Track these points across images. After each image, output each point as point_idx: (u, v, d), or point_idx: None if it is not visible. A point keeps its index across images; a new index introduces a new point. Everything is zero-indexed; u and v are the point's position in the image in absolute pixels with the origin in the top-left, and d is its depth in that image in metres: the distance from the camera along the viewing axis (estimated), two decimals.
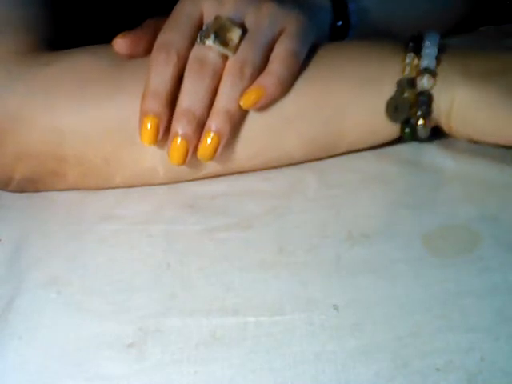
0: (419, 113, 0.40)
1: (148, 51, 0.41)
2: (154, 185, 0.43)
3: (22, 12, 0.43)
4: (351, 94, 0.41)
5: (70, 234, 0.41)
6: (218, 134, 0.39)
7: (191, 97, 0.39)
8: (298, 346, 0.33)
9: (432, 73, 0.40)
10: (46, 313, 0.36)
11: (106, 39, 0.42)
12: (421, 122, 0.40)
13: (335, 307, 0.34)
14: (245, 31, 0.40)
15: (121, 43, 0.41)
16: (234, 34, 0.39)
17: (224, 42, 0.39)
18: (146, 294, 0.36)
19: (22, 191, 0.44)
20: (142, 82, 0.40)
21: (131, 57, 0.42)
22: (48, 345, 0.35)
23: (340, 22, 0.47)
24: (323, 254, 0.37)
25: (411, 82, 0.40)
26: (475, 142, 0.40)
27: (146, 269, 0.38)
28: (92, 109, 0.41)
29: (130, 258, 0.39)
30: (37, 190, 0.44)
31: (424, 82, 0.40)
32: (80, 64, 0.42)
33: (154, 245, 0.39)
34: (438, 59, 0.40)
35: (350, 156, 0.43)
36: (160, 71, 0.39)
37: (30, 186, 0.43)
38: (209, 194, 0.42)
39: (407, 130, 0.41)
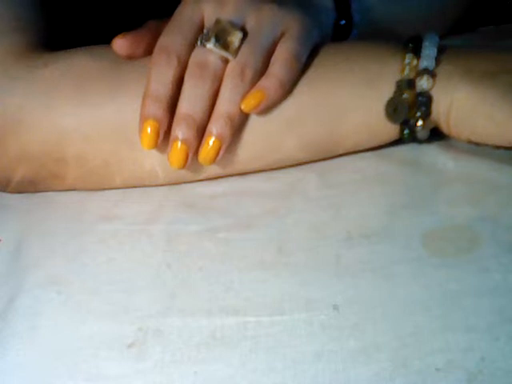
0: (418, 114, 0.40)
1: (147, 52, 0.41)
2: (153, 186, 0.43)
3: (18, 12, 0.43)
4: (351, 96, 0.41)
5: (69, 234, 0.41)
6: (220, 138, 0.39)
7: (191, 101, 0.39)
8: (298, 346, 0.33)
9: (431, 74, 0.40)
10: (46, 313, 0.36)
11: (106, 39, 0.42)
12: (420, 122, 0.40)
13: (335, 307, 0.34)
14: (245, 34, 0.40)
15: (120, 44, 0.41)
16: (235, 37, 0.39)
17: (225, 45, 0.39)
18: (146, 294, 0.36)
19: (20, 192, 0.44)
20: (142, 82, 0.40)
21: (130, 58, 0.42)
22: (48, 345, 0.35)
23: (343, 21, 0.47)
24: (323, 253, 0.37)
25: (410, 83, 0.40)
26: (475, 144, 0.40)
27: (146, 269, 0.38)
28: (91, 110, 0.41)
29: (130, 258, 0.39)
30: (36, 191, 0.44)
31: (423, 83, 0.39)
32: (79, 64, 0.42)
33: (154, 245, 0.39)
34: (438, 60, 0.40)
35: (350, 156, 0.43)
36: (160, 75, 0.39)
37: (30, 187, 0.43)
38: (209, 194, 0.42)
39: (406, 131, 0.41)
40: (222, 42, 0.39)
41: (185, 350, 0.33)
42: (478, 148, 0.41)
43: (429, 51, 0.40)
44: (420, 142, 0.42)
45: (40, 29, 0.44)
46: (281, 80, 0.39)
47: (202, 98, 0.39)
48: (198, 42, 0.40)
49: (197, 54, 0.40)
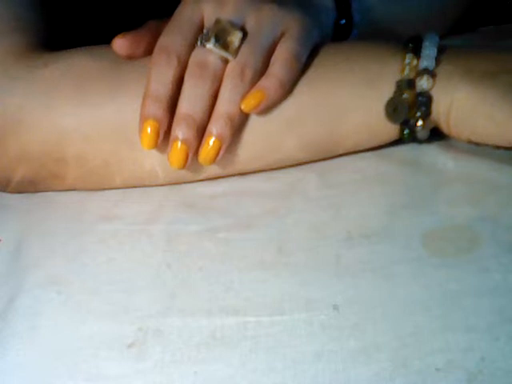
0: (418, 114, 0.40)
1: (147, 52, 0.41)
2: (153, 186, 0.43)
3: (18, 12, 0.43)
4: (351, 96, 0.41)
5: (70, 234, 0.41)
6: (220, 138, 0.39)
7: (191, 101, 0.39)
8: (298, 346, 0.33)
9: (431, 74, 0.40)
10: (46, 313, 0.36)
11: (106, 39, 0.42)
12: (420, 122, 0.40)
13: (335, 307, 0.34)
14: (245, 34, 0.40)
15: (120, 43, 0.41)
16: (235, 37, 0.39)
17: (224, 46, 0.39)
18: (146, 294, 0.36)
19: (20, 192, 0.44)
20: (142, 82, 0.40)
21: (130, 58, 0.41)
22: (48, 345, 0.35)
23: (343, 21, 0.47)
24: (323, 253, 0.37)
25: (410, 83, 0.40)
26: (475, 144, 0.40)
27: (146, 269, 0.38)
28: (91, 110, 0.41)
29: (130, 258, 0.39)
30: (36, 191, 0.44)
31: (423, 83, 0.39)
32: (79, 64, 0.42)
33: (154, 245, 0.39)
34: (438, 60, 0.40)
35: (350, 156, 0.43)
36: (160, 75, 0.39)
37: (30, 186, 0.43)
38: (209, 194, 0.42)
39: (406, 131, 0.41)
40: (221, 41, 0.39)
41: (185, 350, 0.33)
42: (478, 148, 0.41)
43: (429, 51, 0.40)
44: (420, 141, 0.42)
45: (40, 29, 0.44)
46: (281, 80, 0.39)
47: (201, 98, 0.39)
48: (198, 42, 0.40)
49: (197, 54, 0.40)
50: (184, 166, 0.40)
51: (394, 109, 0.40)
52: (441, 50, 0.41)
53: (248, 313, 0.35)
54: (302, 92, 0.41)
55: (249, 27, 0.40)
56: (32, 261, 0.39)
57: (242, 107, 0.39)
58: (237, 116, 0.39)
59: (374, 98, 0.41)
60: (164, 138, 0.40)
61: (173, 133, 0.39)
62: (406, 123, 0.41)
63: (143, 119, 0.39)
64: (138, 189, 0.43)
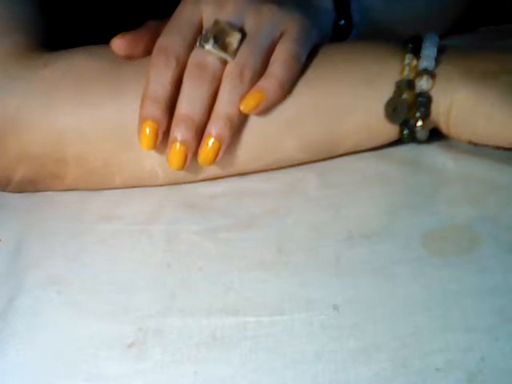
0: (418, 114, 0.40)
1: (146, 53, 0.41)
2: (153, 186, 0.43)
3: (18, 12, 0.43)
4: (350, 96, 0.41)
5: (69, 234, 0.41)
6: (219, 139, 0.39)
7: (190, 102, 0.39)
8: (298, 346, 0.33)
9: (431, 74, 0.40)
10: (46, 313, 0.36)
11: (106, 39, 0.42)
12: (419, 123, 0.40)
13: (335, 307, 0.34)
14: (244, 35, 0.40)
15: (119, 44, 0.41)
16: (234, 38, 0.39)
17: (223, 47, 0.39)
18: (146, 294, 0.36)
19: (20, 192, 0.44)
20: (142, 83, 0.40)
21: (129, 58, 0.42)
22: (48, 345, 0.34)
23: (343, 22, 0.47)
24: (323, 254, 0.37)
25: (410, 84, 0.40)
26: (475, 144, 0.40)
27: (146, 269, 0.38)
28: (91, 110, 0.41)
29: (130, 258, 0.39)
30: (36, 191, 0.44)
31: (423, 84, 0.39)
32: (79, 64, 0.42)
33: (154, 245, 0.39)
34: (437, 60, 0.40)
35: (350, 156, 0.43)
36: (159, 76, 0.39)
37: (30, 186, 0.43)
38: (209, 194, 0.42)
39: (406, 132, 0.41)
40: (220, 43, 0.39)
41: (185, 350, 0.33)
42: (477, 148, 0.41)
43: (428, 51, 0.40)
44: (420, 142, 0.42)
45: (40, 29, 0.44)
46: (280, 80, 0.39)
47: (200, 99, 0.39)
48: (197, 43, 0.40)
49: (195, 55, 0.40)
50: (183, 167, 0.40)
51: (393, 109, 0.40)
52: (441, 50, 0.41)
53: (248, 313, 0.35)
54: (301, 92, 0.41)
55: (248, 28, 0.40)
56: (32, 261, 0.39)
57: (241, 108, 0.39)
58: (236, 117, 0.39)
59: (373, 98, 0.41)
60: (164, 138, 0.40)
61: (172, 134, 0.39)
62: (406, 123, 0.41)
63: (142, 120, 0.39)
64: (137, 189, 0.43)
